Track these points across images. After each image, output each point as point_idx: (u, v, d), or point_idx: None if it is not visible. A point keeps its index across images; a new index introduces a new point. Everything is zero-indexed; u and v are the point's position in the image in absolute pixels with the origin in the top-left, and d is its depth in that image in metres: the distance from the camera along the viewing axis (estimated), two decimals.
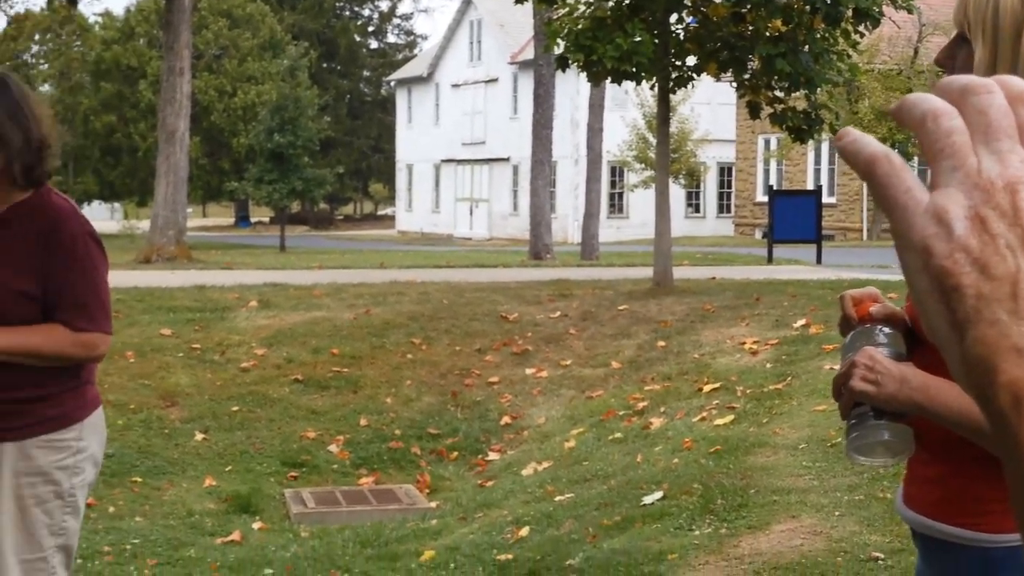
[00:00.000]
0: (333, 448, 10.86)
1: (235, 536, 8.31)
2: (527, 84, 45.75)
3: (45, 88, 72.32)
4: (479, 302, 14.75)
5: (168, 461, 10.43)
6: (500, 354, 12.84)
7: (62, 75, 71.16)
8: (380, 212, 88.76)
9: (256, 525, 8.80)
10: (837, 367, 2.04)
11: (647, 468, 8.26)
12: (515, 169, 49.80)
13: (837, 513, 6.54)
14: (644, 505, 7.18)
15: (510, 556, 6.69)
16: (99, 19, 71.00)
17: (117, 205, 74.31)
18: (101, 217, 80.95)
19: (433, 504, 9.33)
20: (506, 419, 11.38)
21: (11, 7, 56.71)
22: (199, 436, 10.97)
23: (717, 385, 10.46)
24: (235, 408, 11.58)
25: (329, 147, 66.05)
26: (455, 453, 10.77)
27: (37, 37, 74.65)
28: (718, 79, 15.86)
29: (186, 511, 9.25)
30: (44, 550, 3.57)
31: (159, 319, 13.84)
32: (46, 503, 3.56)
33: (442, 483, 10.10)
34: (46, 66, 74.44)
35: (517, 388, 12.04)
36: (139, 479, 9.96)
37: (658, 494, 7.31)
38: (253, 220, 76.07)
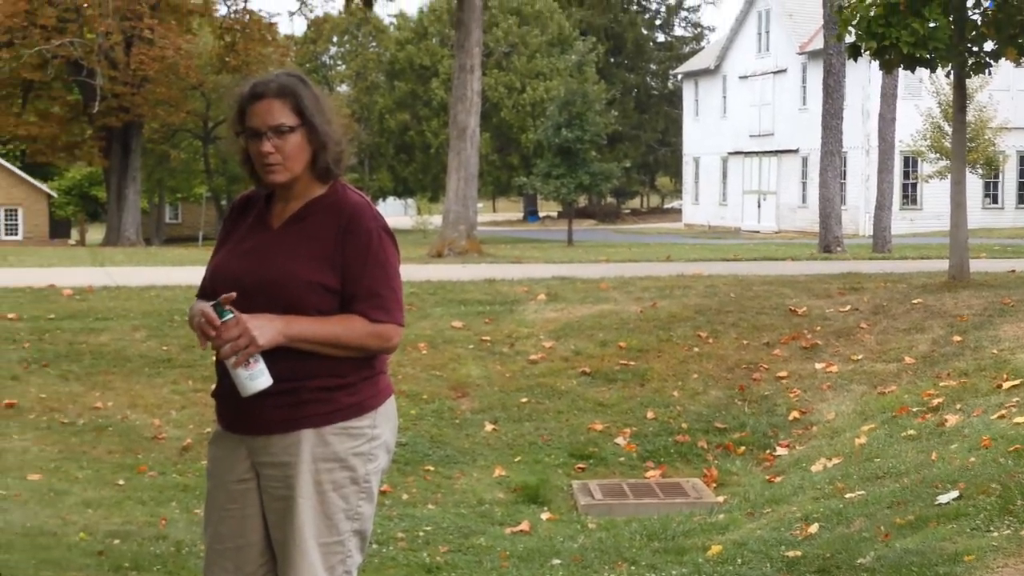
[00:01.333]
0: (620, 440, 10.89)
1: (524, 526, 8.41)
2: (816, 74, 44.88)
3: (342, 89, 74.85)
4: (767, 295, 14.56)
5: (459, 450, 10.66)
6: (788, 348, 12.64)
7: (358, 75, 73.47)
8: (666, 205, 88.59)
9: (544, 515, 8.90)
10: None
11: (942, 466, 8.00)
12: (804, 160, 48.92)
13: None
14: (939, 505, 6.95)
15: (799, 553, 6.58)
16: (393, 20, 72.96)
17: (410, 201, 76.26)
18: (395, 213, 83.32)
19: (720, 499, 9.25)
20: (794, 414, 11.19)
21: (311, 11, 58.71)
22: (489, 427, 11.16)
23: (1018, 382, 10.04)
24: (524, 400, 11.74)
25: (616, 141, 66.28)
26: (742, 448, 10.65)
27: (335, 39, 77.24)
28: (1018, 64, 15.21)
29: (476, 500, 9.43)
30: (341, 534, 3.67)
31: (451, 312, 14.16)
32: (343, 488, 3.66)
33: (729, 478, 10.00)
34: (343, 67, 76.99)
35: (806, 383, 11.83)
36: (431, 468, 10.21)
37: (954, 493, 7.07)
38: (541, 214, 76.97)
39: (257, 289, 3.62)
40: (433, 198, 68.29)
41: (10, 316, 13.55)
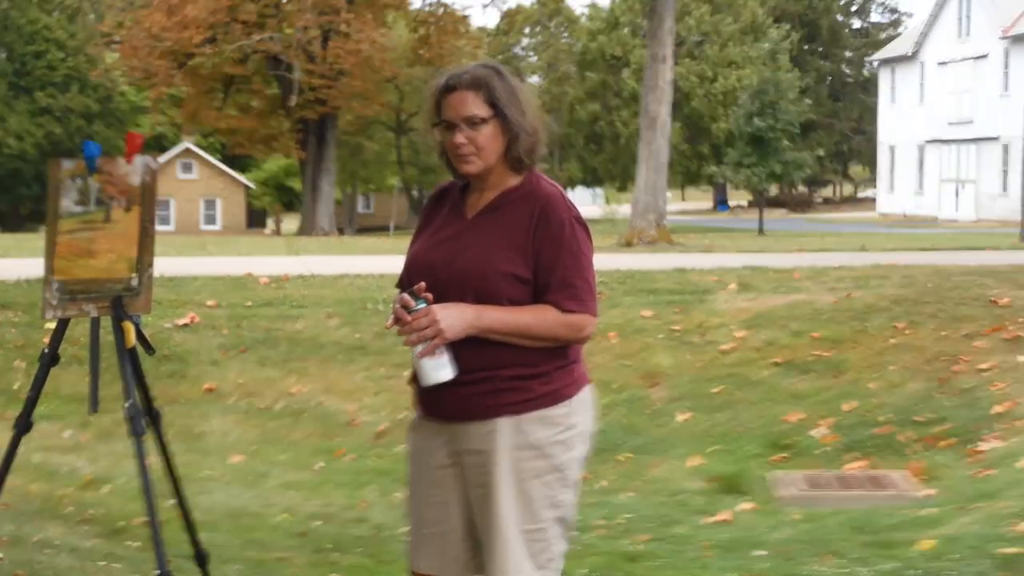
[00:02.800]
0: (817, 432, 10.64)
1: (724, 516, 8.26)
2: (1019, 59, 43.60)
3: (534, 79, 75.23)
4: (967, 286, 14.11)
5: (653, 439, 10.56)
6: (990, 340, 12.22)
7: (550, 66, 73.79)
8: (860, 194, 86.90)
9: (744, 506, 8.72)
10: None
11: None
12: (1005, 148, 47.46)
13: None
14: None
15: (1017, 550, 6.32)
16: (585, 10, 73.04)
17: (599, 190, 76.34)
18: (584, 202, 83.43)
19: (927, 492, 8.96)
20: (999, 408, 10.80)
21: (504, 2, 59.13)
22: (681, 416, 11.05)
23: None
24: (716, 389, 11.59)
25: (809, 130, 65.23)
26: (945, 441, 10.32)
27: (527, 31, 77.66)
28: None
29: (673, 489, 9.30)
30: (542, 521, 3.67)
31: (641, 301, 14.07)
32: (542, 476, 3.66)
33: (935, 471, 9.70)
34: (535, 58, 77.36)
35: (1010, 376, 11.40)
36: (627, 456, 10.13)
37: None
38: (731, 204, 76.25)
39: (450, 278, 3.63)
40: (622, 187, 68.24)
41: (209, 303, 13.90)
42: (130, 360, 4.60)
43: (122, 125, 69.52)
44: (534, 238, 3.62)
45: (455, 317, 3.54)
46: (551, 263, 3.61)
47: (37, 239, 31.83)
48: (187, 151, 67.82)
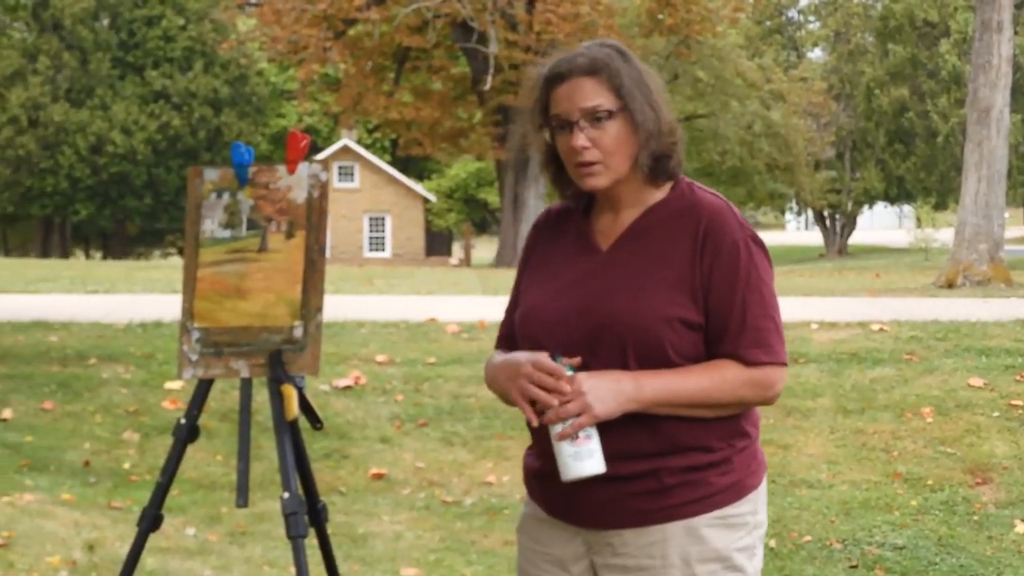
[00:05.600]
0: None
1: None
2: None
3: (815, 54, 74.80)
4: None
5: (978, 558, 10.43)
6: None
7: (837, 36, 73.26)
8: None
9: None
10: None
11: None
12: None
13: None
14: None
15: None
16: None
17: (906, 208, 75.37)
18: (884, 224, 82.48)
19: None
20: None
21: None
22: (1021, 526, 10.90)
23: None
24: None
25: None
26: None
27: None
28: None
29: None
30: None
31: (967, 364, 13.90)
32: None
33: None
34: (816, 25, 76.88)
35: None
36: None
37: None
38: None
39: (593, 334, 3.64)
40: (939, 205, 67.21)
41: (379, 359, 14.17)
42: (290, 437, 4.69)
43: (259, 115, 71.13)
44: (700, 268, 3.63)
45: (607, 389, 3.56)
46: (727, 300, 3.62)
47: (151, 268, 32.85)
48: (346, 151, 68.77)
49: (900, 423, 12.14)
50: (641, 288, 3.62)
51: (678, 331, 3.58)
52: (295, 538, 4.65)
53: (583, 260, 3.75)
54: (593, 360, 3.60)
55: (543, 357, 3.58)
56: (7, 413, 12.43)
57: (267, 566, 9.36)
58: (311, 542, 4.85)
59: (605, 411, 3.53)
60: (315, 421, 4.84)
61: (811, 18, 77.79)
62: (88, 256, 77.80)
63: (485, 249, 68.55)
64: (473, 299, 20.96)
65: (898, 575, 9.96)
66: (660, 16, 49.96)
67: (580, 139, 3.64)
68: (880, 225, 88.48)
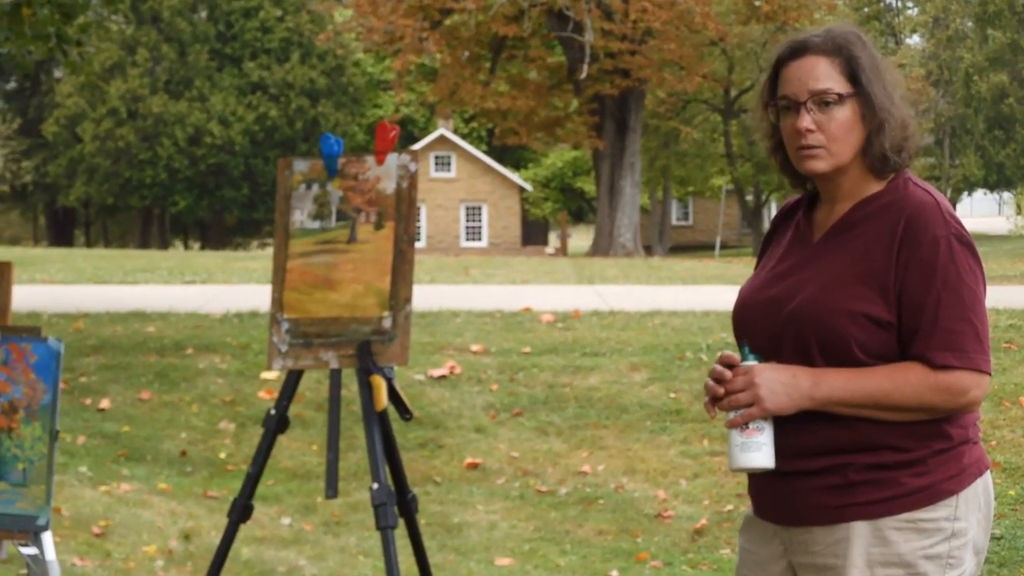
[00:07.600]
0: None
1: None
2: None
3: (912, 40, 74.21)
4: None
5: None
6: None
7: (936, 22, 72.61)
8: None
9: None
10: None
11: None
12: None
13: None
14: None
15: None
16: None
17: (1007, 196, 74.56)
18: (983, 212, 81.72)
19: None
20: None
21: None
22: None
23: None
24: None
25: None
26: None
27: None
28: None
29: None
30: None
31: None
32: None
33: None
34: (915, 11, 76.26)
35: None
36: None
37: None
38: None
39: (781, 327, 3.63)
40: None
41: (474, 349, 14.19)
42: (380, 427, 4.70)
43: (356, 105, 71.38)
44: (897, 263, 3.55)
45: (781, 383, 3.54)
46: (920, 299, 3.53)
47: (248, 259, 33.04)
48: (442, 140, 69.05)
49: (998, 412, 12.01)
50: (832, 282, 3.58)
51: (864, 327, 3.53)
52: (384, 529, 4.66)
53: (796, 252, 3.74)
54: (779, 353, 3.59)
55: (727, 352, 3.60)
56: (105, 403, 12.55)
57: (362, 556, 9.39)
58: (402, 532, 4.85)
59: (775, 405, 3.52)
60: (404, 412, 4.84)
61: (909, 4, 77.18)
62: (186, 247, 78.33)
63: (581, 238, 68.53)
64: (568, 288, 20.92)
65: (996, 565, 9.84)
66: (757, 3, 49.64)
67: (806, 120, 3.61)
68: (979, 212, 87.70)
